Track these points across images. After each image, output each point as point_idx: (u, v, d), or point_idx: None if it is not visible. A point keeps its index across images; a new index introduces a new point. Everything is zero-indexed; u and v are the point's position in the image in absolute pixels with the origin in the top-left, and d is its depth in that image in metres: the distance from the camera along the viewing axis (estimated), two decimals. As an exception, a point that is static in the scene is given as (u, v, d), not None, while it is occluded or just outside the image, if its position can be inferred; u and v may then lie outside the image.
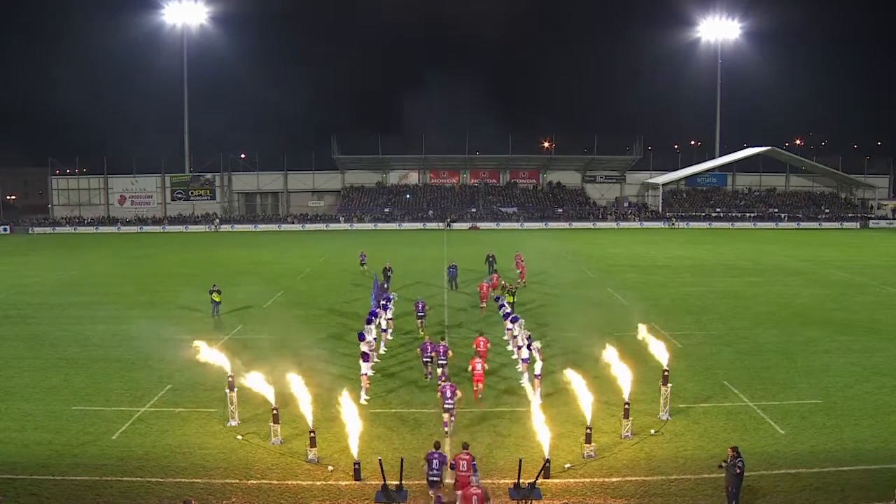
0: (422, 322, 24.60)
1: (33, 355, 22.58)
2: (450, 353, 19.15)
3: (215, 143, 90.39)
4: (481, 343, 19.97)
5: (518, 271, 36.49)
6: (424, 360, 19.41)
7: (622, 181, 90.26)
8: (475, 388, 18.00)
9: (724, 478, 12.46)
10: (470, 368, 18.26)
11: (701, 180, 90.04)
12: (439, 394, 15.97)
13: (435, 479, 12.61)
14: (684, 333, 24.87)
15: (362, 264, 40.14)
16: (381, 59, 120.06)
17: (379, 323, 22.39)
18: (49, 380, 19.83)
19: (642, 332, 19.00)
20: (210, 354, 17.07)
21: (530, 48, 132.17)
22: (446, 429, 15.64)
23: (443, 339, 20.50)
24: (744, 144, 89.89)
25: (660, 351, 17.17)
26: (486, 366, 18.88)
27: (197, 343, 17.68)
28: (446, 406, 15.59)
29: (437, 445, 12.87)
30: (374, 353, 20.61)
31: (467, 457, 12.23)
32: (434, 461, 12.60)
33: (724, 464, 12.40)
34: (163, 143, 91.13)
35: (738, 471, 12.10)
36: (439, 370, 18.63)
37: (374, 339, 21.00)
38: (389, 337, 23.34)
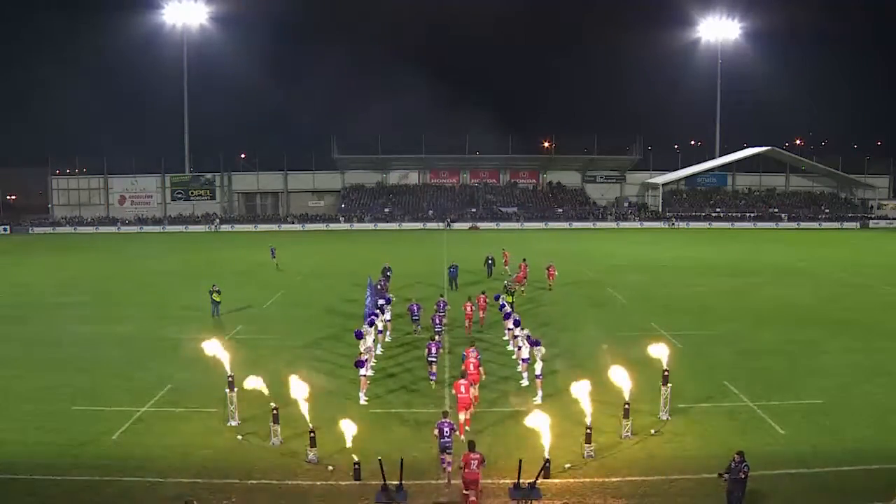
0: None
1: (33, 355, 22.58)
2: (448, 307, 24.94)
3: (215, 143, 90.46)
4: (481, 299, 25.71)
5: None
6: (414, 318, 24.61)
7: (622, 181, 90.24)
8: (466, 325, 24.60)
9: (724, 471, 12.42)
10: (462, 308, 24.88)
11: (701, 180, 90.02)
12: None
13: (447, 444, 13.83)
14: (684, 333, 24.85)
15: (273, 258, 42.73)
16: (381, 58, 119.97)
17: (376, 325, 22.38)
18: (49, 380, 19.83)
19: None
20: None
21: (530, 48, 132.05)
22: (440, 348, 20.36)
23: (441, 295, 26.23)
24: (744, 144, 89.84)
25: (659, 352, 17.14)
26: (483, 315, 25.41)
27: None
28: (437, 329, 22.39)
29: (446, 414, 14.59)
30: (372, 356, 20.53)
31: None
32: (445, 428, 13.94)
33: (726, 475, 12.20)
34: (163, 143, 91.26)
35: (742, 475, 11.96)
36: (438, 319, 23.33)
37: (374, 340, 20.97)
38: (387, 339, 23.34)
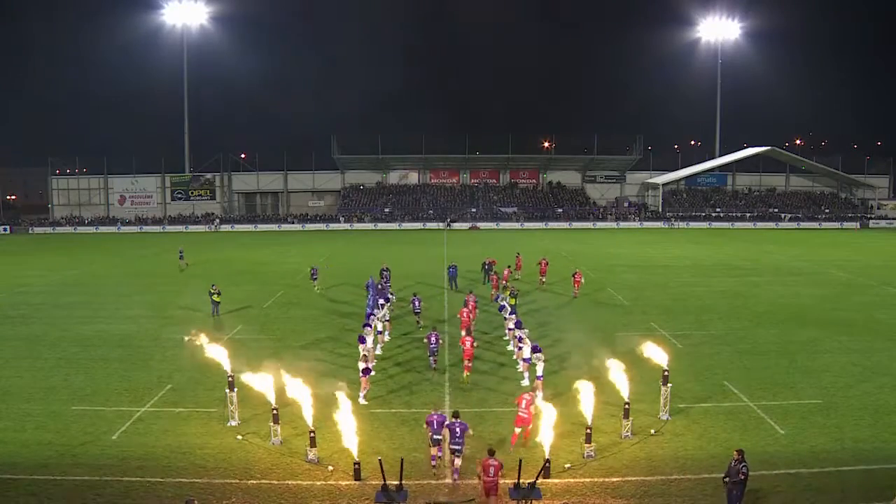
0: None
1: (33, 355, 22.59)
2: (423, 303, 27.17)
3: (215, 143, 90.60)
4: (493, 279, 32.21)
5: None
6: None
7: (622, 181, 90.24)
8: (501, 291, 29.00)
9: (724, 473, 12.42)
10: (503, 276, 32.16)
11: (701, 180, 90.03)
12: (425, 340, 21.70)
13: (434, 349, 19.99)
14: (684, 333, 24.86)
15: (181, 259, 43.05)
16: (381, 58, 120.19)
17: (375, 325, 22.38)
18: (49, 380, 19.84)
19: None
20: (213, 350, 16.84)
21: (530, 48, 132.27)
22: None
23: (415, 293, 28.19)
24: (744, 144, 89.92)
25: (659, 352, 17.14)
26: (495, 292, 30.09)
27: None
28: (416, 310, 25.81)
29: (435, 328, 20.04)
30: (372, 356, 20.51)
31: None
32: (433, 338, 19.88)
33: (727, 479, 12.23)
34: (163, 143, 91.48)
35: (742, 476, 11.98)
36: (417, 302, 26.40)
37: (373, 340, 20.99)
38: (387, 338, 23.34)
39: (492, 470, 12.24)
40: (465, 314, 23.40)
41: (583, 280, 32.79)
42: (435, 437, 13.86)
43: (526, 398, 14.94)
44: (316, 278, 34.90)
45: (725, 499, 12.21)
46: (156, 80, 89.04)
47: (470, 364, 19.41)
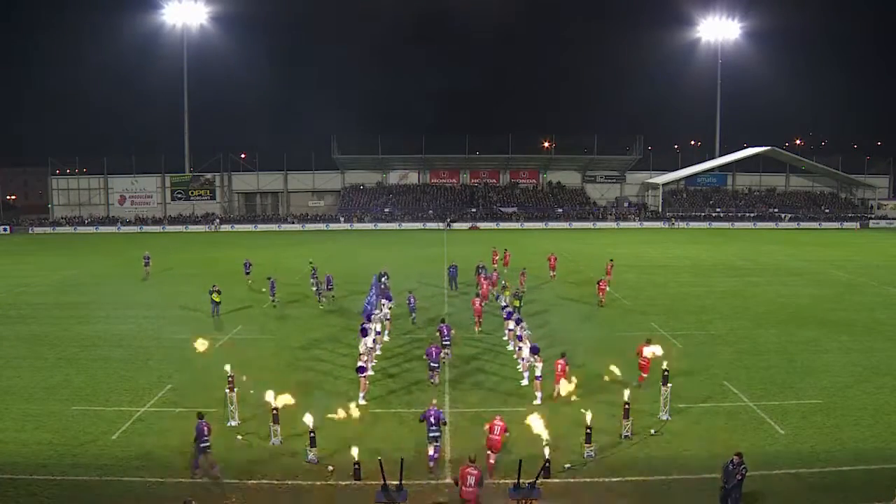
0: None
1: (33, 355, 22.59)
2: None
3: (215, 143, 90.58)
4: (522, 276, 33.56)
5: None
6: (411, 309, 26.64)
7: (622, 181, 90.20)
8: (500, 292, 28.39)
9: (721, 479, 12.41)
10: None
11: (701, 180, 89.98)
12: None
13: (413, 309, 24.98)
14: (684, 333, 24.86)
15: (146, 265, 40.68)
16: (381, 58, 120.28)
17: (375, 325, 22.38)
18: (49, 380, 19.84)
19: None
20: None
21: (530, 48, 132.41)
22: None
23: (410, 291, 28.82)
24: (744, 144, 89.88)
25: (659, 352, 17.15)
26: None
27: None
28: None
29: (411, 291, 24.46)
30: (372, 356, 20.48)
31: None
32: (412, 299, 24.55)
33: (726, 485, 12.20)
34: (163, 143, 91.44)
35: (740, 477, 11.98)
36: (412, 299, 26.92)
37: (373, 340, 20.97)
38: (386, 338, 23.33)
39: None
40: (485, 286, 28.60)
41: (608, 288, 31.19)
42: (432, 364, 18.43)
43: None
44: (249, 272, 36.68)
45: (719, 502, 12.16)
46: (156, 79, 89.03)
47: (479, 320, 24.59)
